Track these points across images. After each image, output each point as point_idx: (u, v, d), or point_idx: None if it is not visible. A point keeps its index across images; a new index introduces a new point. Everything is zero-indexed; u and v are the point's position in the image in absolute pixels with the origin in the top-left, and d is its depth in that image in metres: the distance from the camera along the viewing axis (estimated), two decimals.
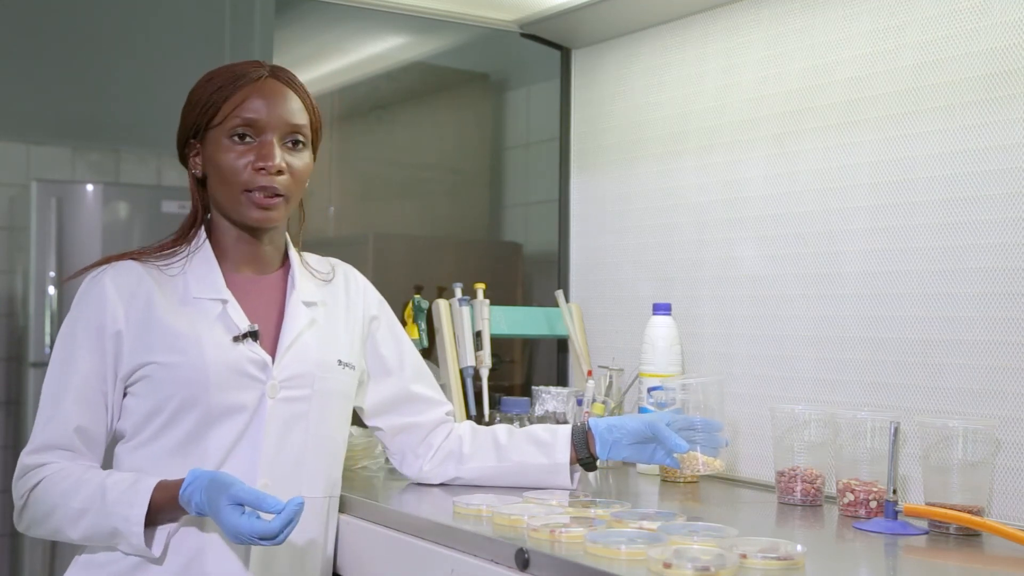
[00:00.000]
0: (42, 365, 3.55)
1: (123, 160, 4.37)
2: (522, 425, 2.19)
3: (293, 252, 1.73)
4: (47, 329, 3.57)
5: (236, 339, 1.59)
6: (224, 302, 1.61)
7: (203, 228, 1.67)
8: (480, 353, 2.26)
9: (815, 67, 1.98)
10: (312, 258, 1.78)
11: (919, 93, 1.79)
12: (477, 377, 2.26)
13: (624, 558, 1.29)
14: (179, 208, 3.65)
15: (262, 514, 1.42)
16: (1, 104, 4.04)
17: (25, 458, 1.57)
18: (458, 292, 2.29)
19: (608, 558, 1.29)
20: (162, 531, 1.51)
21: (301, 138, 1.63)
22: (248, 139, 1.59)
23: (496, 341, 2.31)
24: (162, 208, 3.71)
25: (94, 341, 1.56)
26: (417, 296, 2.27)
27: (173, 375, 1.55)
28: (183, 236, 1.66)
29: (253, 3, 3.84)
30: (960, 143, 1.72)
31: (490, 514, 1.55)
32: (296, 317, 1.65)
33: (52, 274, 3.58)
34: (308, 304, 1.68)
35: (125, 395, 1.59)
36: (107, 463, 1.61)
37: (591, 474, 2.10)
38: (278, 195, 1.60)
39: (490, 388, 2.26)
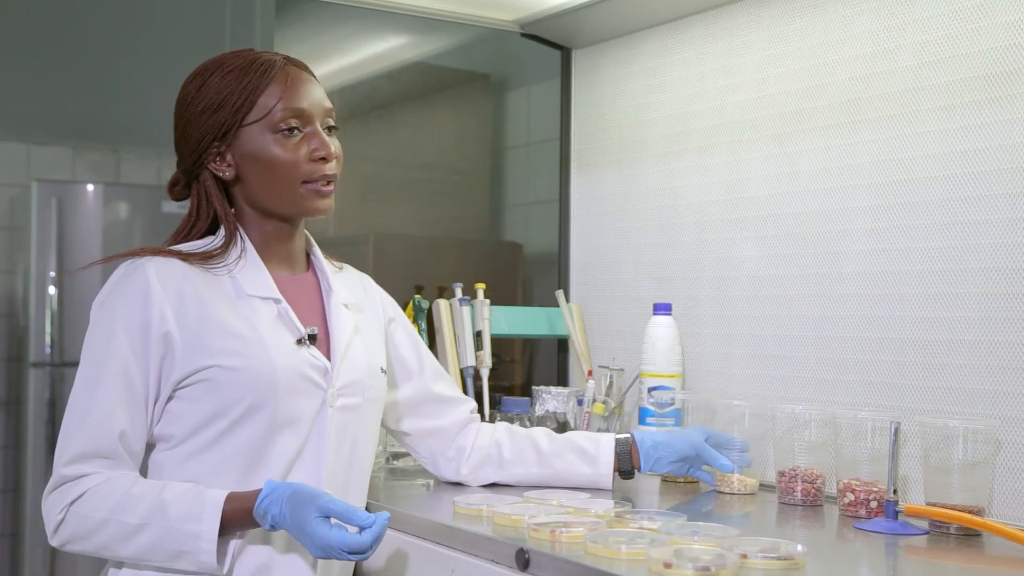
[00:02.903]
0: (42, 365, 3.56)
1: (123, 160, 4.37)
2: (523, 425, 2.20)
3: (317, 250, 1.69)
4: (47, 329, 3.57)
5: (300, 342, 1.53)
6: (278, 302, 1.54)
7: (242, 232, 1.58)
8: (480, 353, 2.26)
9: (815, 67, 1.98)
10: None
11: (919, 93, 1.79)
12: (477, 377, 2.26)
13: (624, 558, 1.29)
14: (179, 208, 3.64)
15: (348, 528, 1.36)
16: (1, 104, 4.04)
17: (63, 469, 1.43)
18: (458, 292, 2.29)
19: (608, 558, 1.29)
20: (230, 547, 1.42)
21: (332, 122, 1.59)
22: (296, 131, 1.54)
23: (496, 341, 2.31)
24: (162, 208, 3.71)
25: (138, 340, 1.45)
26: (418, 296, 2.27)
27: (240, 378, 1.46)
28: (219, 243, 1.56)
29: (253, 3, 3.84)
30: (960, 143, 1.72)
31: (490, 514, 1.55)
32: (343, 322, 1.60)
33: (52, 274, 3.58)
34: (346, 306, 1.63)
35: (171, 398, 1.48)
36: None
37: None
38: (332, 182, 1.57)
39: (490, 388, 2.26)
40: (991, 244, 1.67)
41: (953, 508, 1.54)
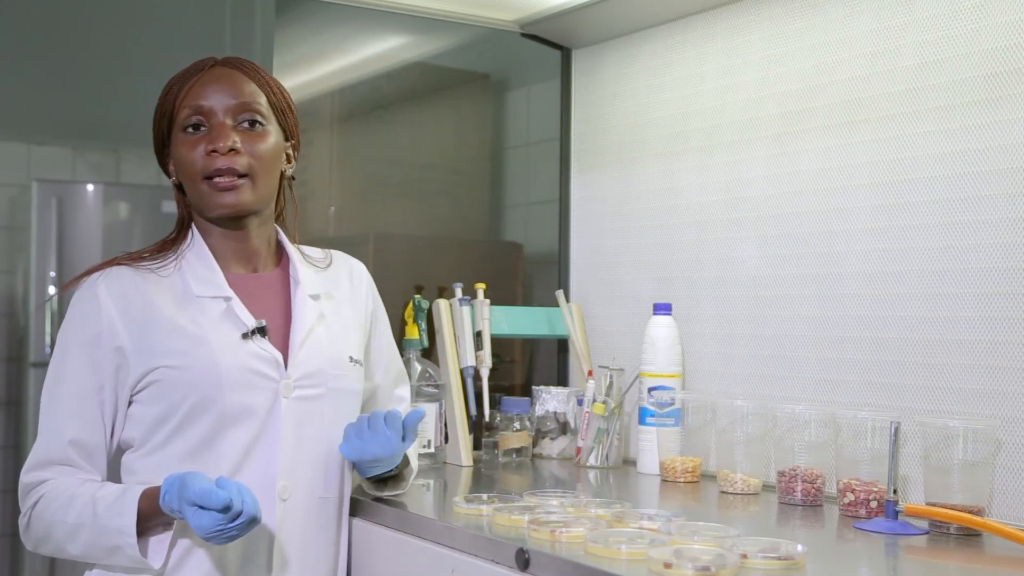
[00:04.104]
0: (42, 365, 3.56)
1: (123, 160, 4.37)
2: (522, 426, 2.20)
3: (290, 246, 1.69)
4: (47, 329, 3.57)
5: (245, 336, 1.55)
6: (227, 299, 1.57)
7: (193, 227, 1.63)
8: (480, 353, 2.26)
9: (815, 67, 1.98)
10: (309, 248, 1.75)
11: (919, 93, 1.79)
12: (477, 377, 2.26)
13: (624, 558, 1.29)
14: None
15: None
16: (1, 104, 4.04)
17: (24, 476, 1.53)
18: (458, 292, 2.29)
19: (608, 558, 1.29)
20: (158, 541, 1.47)
21: (259, 117, 1.58)
22: (202, 128, 1.56)
23: (496, 341, 2.31)
24: (162, 208, 3.71)
25: (87, 351, 1.52)
26: (417, 296, 2.27)
27: (183, 378, 1.50)
28: (169, 238, 1.64)
29: (253, 3, 3.84)
30: (960, 143, 1.72)
31: (490, 514, 1.55)
32: (305, 312, 1.61)
33: (52, 274, 3.58)
34: (314, 297, 1.64)
35: (131, 403, 1.54)
36: (113, 475, 1.57)
37: (591, 473, 2.11)
38: (240, 176, 1.55)
39: (490, 388, 2.26)
40: (991, 244, 1.67)
41: (953, 508, 1.54)
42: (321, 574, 1.61)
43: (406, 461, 1.69)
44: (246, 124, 1.57)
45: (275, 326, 1.60)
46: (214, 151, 1.54)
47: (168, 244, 1.63)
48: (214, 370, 1.51)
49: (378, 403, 1.79)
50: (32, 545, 1.54)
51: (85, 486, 1.49)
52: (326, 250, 1.77)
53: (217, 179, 1.55)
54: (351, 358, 1.65)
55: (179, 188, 1.64)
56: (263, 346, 1.56)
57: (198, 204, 1.60)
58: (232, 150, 1.54)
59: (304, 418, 1.57)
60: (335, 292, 1.69)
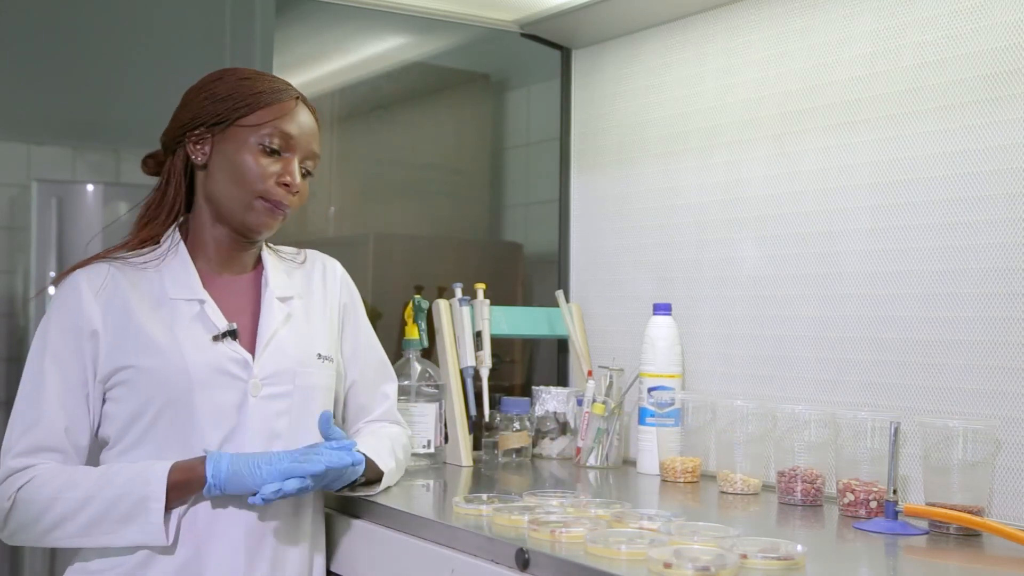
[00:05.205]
0: None
1: (123, 160, 4.36)
2: (522, 426, 2.20)
3: (265, 250, 1.75)
4: None
5: (216, 338, 1.60)
6: (201, 302, 1.62)
7: (176, 227, 1.68)
8: (480, 353, 2.26)
9: (815, 67, 1.98)
10: (283, 248, 1.81)
11: (919, 93, 1.79)
12: (477, 377, 2.26)
13: (624, 558, 1.29)
14: None
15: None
16: (1, 104, 4.04)
17: (11, 461, 1.54)
18: (458, 292, 2.29)
19: (608, 558, 1.29)
20: (174, 515, 1.52)
21: (312, 167, 1.69)
22: (276, 152, 1.63)
23: (496, 341, 2.31)
24: None
25: (71, 340, 1.56)
26: (417, 296, 2.27)
27: (154, 378, 1.55)
28: (156, 229, 1.67)
29: (253, 3, 3.83)
30: (960, 143, 1.72)
31: (490, 514, 1.55)
32: (272, 314, 1.67)
33: (52, 274, 3.58)
34: (283, 299, 1.70)
35: (105, 401, 1.58)
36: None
37: (591, 474, 2.11)
38: (284, 212, 1.65)
39: (490, 388, 2.26)
40: (991, 244, 1.67)
41: (953, 508, 1.54)
42: (293, 570, 1.63)
43: (375, 468, 1.70)
44: (305, 170, 1.68)
45: (244, 326, 1.65)
46: (286, 185, 1.63)
47: (152, 238, 1.67)
48: (183, 371, 1.56)
49: (359, 399, 1.82)
50: (10, 532, 1.54)
51: (82, 468, 1.54)
52: (300, 250, 1.83)
53: (271, 206, 1.63)
54: (319, 355, 1.70)
55: (192, 170, 1.67)
56: (233, 347, 1.61)
57: (231, 206, 1.64)
58: (296, 192, 1.65)
59: (273, 415, 1.62)
60: (305, 292, 1.75)
